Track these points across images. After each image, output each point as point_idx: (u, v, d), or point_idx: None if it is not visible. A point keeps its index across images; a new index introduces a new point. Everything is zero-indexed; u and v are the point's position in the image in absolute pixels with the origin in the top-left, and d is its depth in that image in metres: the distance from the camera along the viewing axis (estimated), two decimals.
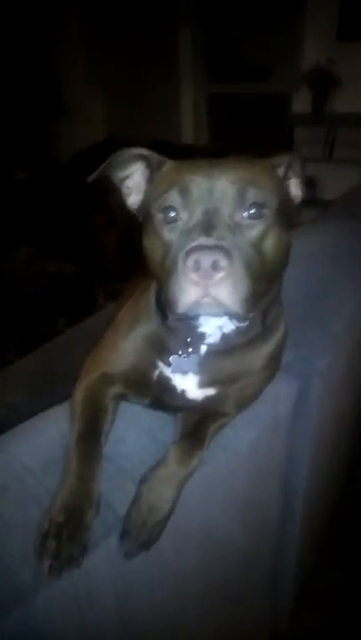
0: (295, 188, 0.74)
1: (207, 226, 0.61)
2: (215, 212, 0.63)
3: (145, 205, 0.74)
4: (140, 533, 0.71)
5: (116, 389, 0.83)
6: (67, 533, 0.63)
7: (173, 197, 0.65)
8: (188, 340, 0.76)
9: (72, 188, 3.33)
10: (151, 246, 0.70)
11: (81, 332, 1.67)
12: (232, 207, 0.64)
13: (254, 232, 0.64)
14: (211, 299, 0.60)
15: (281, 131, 3.84)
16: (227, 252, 0.59)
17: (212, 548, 0.97)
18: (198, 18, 4.07)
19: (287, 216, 0.70)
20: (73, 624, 0.68)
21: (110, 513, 0.70)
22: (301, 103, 3.82)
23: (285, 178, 0.73)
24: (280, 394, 0.97)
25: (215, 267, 0.58)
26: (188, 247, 0.60)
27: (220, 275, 0.59)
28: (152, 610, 0.86)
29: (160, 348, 0.80)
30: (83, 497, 0.67)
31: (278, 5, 3.76)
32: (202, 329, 0.74)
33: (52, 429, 0.80)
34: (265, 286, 0.68)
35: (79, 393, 0.81)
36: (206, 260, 0.58)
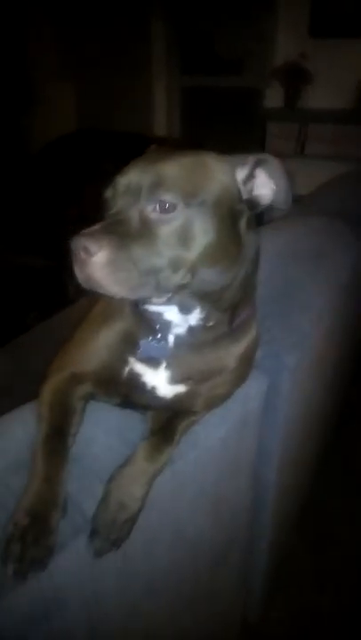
0: (262, 188, 0.73)
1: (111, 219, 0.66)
2: (127, 205, 0.67)
3: None
4: (110, 532, 0.71)
5: (84, 389, 0.82)
6: (31, 536, 0.63)
7: (108, 191, 0.70)
8: (157, 326, 0.77)
9: (43, 180, 3.26)
10: None
11: (51, 327, 1.65)
12: (142, 202, 0.66)
13: (161, 227, 0.66)
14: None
15: (254, 125, 3.85)
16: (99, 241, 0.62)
17: (182, 545, 0.97)
18: (171, 10, 4.03)
19: (230, 214, 0.70)
20: (40, 627, 0.68)
21: (78, 514, 0.70)
22: (274, 98, 3.83)
23: (250, 177, 0.72)
24: (250, 391, 0.98)
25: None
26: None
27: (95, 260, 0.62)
28: (122, 610, 0.86)
29: (132, 343, 0.80)
30: (48, 499, 0.66)
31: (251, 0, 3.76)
32: (166, 317, 0.75)
33: (19, 431, 0.78)
34: (188, 279, 0.68)
35: (46, 393, 0.80)
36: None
